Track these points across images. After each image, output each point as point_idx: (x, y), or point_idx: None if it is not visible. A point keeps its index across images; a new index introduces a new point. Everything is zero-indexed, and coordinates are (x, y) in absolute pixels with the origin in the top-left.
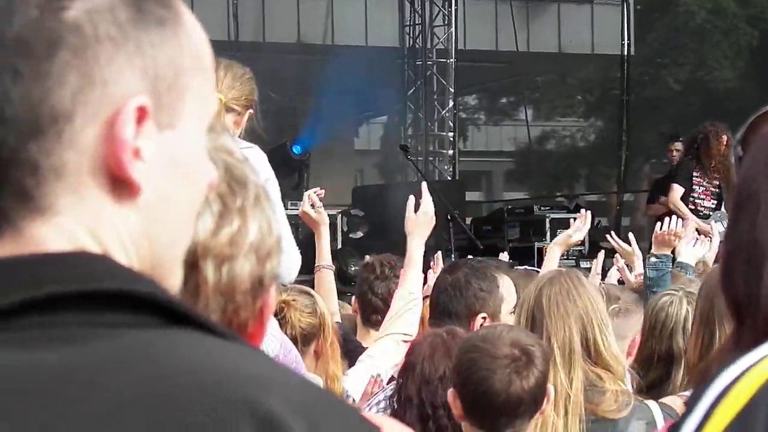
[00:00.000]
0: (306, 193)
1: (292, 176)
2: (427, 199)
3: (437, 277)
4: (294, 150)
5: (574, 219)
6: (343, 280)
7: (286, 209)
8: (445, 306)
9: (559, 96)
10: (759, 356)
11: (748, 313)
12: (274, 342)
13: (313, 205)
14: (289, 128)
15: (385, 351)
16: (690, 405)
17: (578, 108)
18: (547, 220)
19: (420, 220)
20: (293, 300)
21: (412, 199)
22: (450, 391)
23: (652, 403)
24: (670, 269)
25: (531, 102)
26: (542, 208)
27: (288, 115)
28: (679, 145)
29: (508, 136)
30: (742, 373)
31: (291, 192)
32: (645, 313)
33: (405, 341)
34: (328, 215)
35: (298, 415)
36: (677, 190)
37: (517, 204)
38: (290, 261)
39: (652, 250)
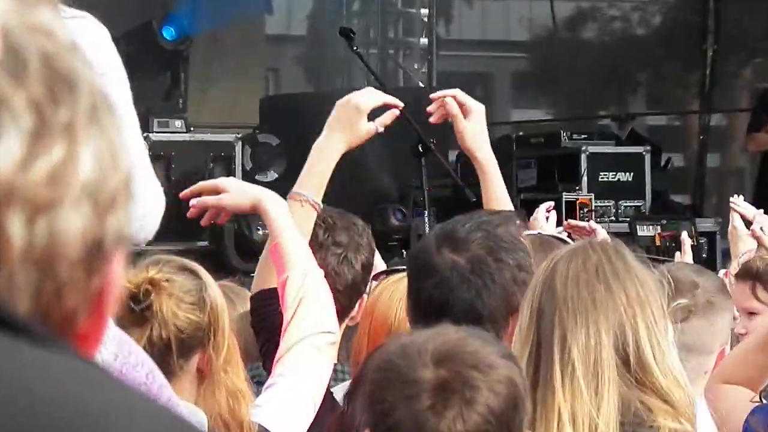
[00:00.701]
0: None
1: (162, 77)
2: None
3: (415, 252)
4: (165, 33)
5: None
6: (242, 251)
7: (154, 131)
8: (446, 303)
9: None
10: None
11: None
12: (102, 351)
13: None
14: None
15: (303, 365)
16: None
17: None
18: (584, 155)
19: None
20: (166, 280)
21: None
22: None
23: None
24: None
25: None
26: (575, 135)
27: None
28: None
29: (519, 17)
30: None
31: (160, 104)
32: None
33: (333, 344)
34: (222, 140)
35: None
36: None
37: (535, 129)
38: (148, 211)
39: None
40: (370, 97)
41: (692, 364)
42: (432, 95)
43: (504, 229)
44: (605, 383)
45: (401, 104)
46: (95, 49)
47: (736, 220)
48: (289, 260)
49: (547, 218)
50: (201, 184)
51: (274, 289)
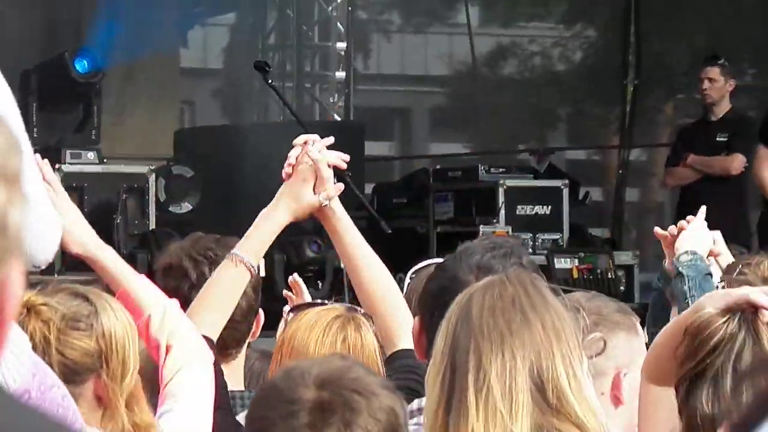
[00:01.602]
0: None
1: (75, 109)
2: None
3: (445, 284)
4: (77, 66)
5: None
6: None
7: (67, 163)
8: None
9: None
10: None
11: None
12: (21, 368)
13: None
14: (69, 30)
15: (189, 391)
16: None
17: (555, 6)
18: (501, 189)
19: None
20: (42, 304)
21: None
22: None
23: None
24: (709, 269)
25: None
26: (492, 169)
27: (67, 9)
28: (717, 72)
29: (439, 52)
30: None
31: (73, 136)
32: (678, 335)
33: (209, 368)
34: (136, 172)
35: None
36: (764, 155)
37: (452, 162)
38: (43, 229)
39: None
40: (313, 168)
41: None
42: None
43: (527, 257)
44: (519, 408)
45: (344, 165)
46: None
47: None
48: (143, 302)
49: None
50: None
51: None
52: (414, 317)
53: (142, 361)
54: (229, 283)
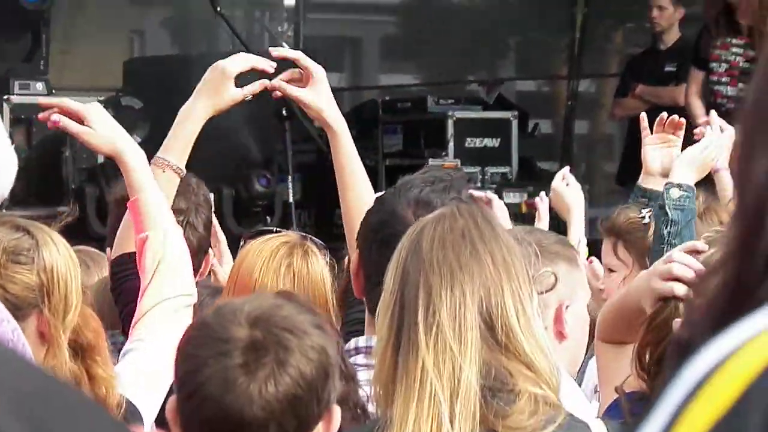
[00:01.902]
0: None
1: (23, 38)
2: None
3: (384, 218)
4: None
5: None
6: (104, 216)
7: (16, 93)
8: None
9: None
10: (758, 327)
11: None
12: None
13: None
14: None
15: (161, 329)
16: (654, 397)
17: None
18: (450, 121)
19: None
20: None
21: None
22: (170, 399)
23: (597, 425)
24: (695, 208)
25: None
26: (442, 101)
27: None
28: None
29: None
30: (731, 353)
31: (21, 66)
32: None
33: (189, 306)
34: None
35: (21, 418)
36: (696, 78)
37: (401, 93)
38: None
39: (671, 172)
40: (237, 62)
41: None
42: (273, 52)
43: (467, 192)
44: (468, 344)
45: (271, 68)
46: None
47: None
48: (149, 218)
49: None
50: (67, 104)
51: (134, 254)
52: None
53: (100, 295)
54: (162, 192)
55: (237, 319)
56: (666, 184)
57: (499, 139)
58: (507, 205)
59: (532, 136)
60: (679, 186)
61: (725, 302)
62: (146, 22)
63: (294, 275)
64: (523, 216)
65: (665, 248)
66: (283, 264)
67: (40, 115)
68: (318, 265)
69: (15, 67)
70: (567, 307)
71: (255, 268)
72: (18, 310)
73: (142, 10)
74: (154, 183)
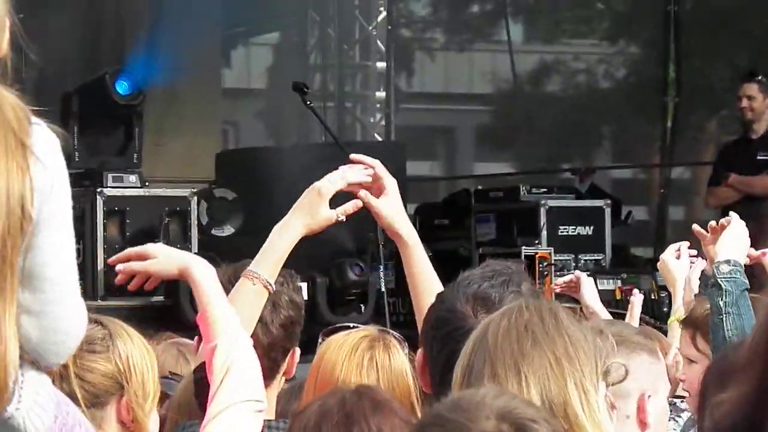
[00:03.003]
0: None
1: (116, 131)
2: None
3: (443, 315)
4: (118, 88)
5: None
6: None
7: (109, 186)
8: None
9: (565, 3)
10: None
11: None
12: (43, 414)
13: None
14: (110, 51)
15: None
16: None
17: (598, 24)
18: (543, 209)
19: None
20: None
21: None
22: None
23: None
24: (746, 282)
25: (519, 12)
26: (534, 189)
27: (107, 29)
28: (755, 89)
29: (481, 70)
30: None
31: (114, 159)
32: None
33: (259, 411)
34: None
35: None
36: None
37: (494, 183)
38: (70, 330)
39: (716, 255)
40: (334, 181)
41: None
42: (353, 156)
43: (527, 284)
44: None
45: (368, 178)
46: (46, 158)
47: (666, 254)
48: (216, 328)
49: (678, 256)
50: (128, 251)
51: None
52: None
53: (188, 390)
54: (247, 302)
55: (485, 410)
56: (714, 263)
57: (592, 227)
58: (601, 291)
59: (626, 223)
60: (727, 261)
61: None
62: (239, 114)
63: (377, 368)
64: (617, 302)
65: (724, 318)
66: (365, 357)
67: (109, 260)
68: (400, 357)
69: (108, 160)
70: (649, 397)
71: (337, 364)
72: (97, 398)
73: (235, 103)
74: (223, 296)
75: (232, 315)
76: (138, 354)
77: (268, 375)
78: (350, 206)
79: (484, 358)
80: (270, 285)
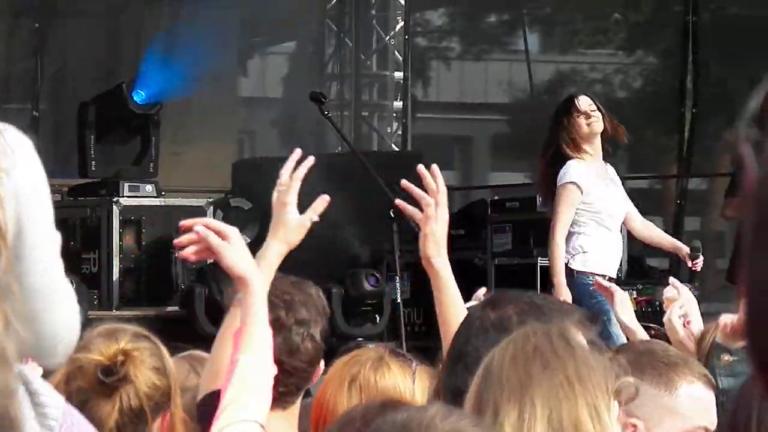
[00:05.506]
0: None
1: (132, 141)
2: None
3: (470, 339)
4: (135, 97)
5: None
6: (213, 316)
7: (125, 195)
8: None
9: (582, 13)
10: None
11: None
12: (50, 416)
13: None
14: (127, 61)
15: None
16: None
17: (615, 34)
18: None
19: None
20: (136, 350)
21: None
22: None
23: None
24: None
25: (536, 22)
26: None
27: (124, 39)
28: None
29: (498, 79)
30: None
31: (131, 168)
32: None
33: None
34: (194, 205)
35: None
36: None
37: (511, 193)
38: (60, 334)
39: (719, 339)
40: (280, 185)
41: None
42: (420, 170)
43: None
44: None
45: (311, 160)
46: (20, 165)
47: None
48: (248, 346)
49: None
50: (209, 220)
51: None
52: None
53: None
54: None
55: None
56: (715, 347)
57: None
58: None
59: None
60: (728, 351)
61: None
62: (255, 123)
63: (360, 388)
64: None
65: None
66: (347, 377)
67: (183, 223)
68: (392, 378)
69: (125, 169)
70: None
71: (326, 382)
72: (154, 415)
73: (251, 112)
74: (267, 317)
75: (269, 339)
76: (173, 367)
77: (302, 388)
78: (318, 205)
79: (489, 387)
80: None
